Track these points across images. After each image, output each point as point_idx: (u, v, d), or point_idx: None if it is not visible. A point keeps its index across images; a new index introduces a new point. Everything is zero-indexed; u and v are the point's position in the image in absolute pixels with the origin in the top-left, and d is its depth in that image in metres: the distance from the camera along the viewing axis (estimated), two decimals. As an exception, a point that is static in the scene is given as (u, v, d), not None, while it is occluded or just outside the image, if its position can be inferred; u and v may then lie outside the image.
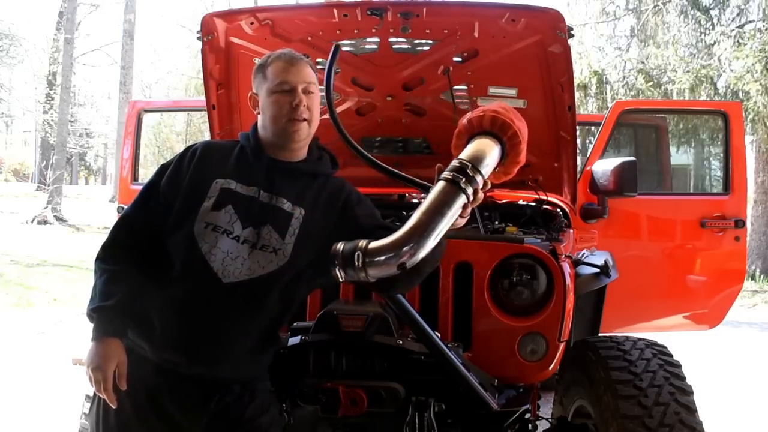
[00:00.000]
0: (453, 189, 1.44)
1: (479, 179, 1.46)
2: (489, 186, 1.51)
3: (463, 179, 1.44)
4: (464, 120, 1.58)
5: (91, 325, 1.73)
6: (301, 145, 1.85)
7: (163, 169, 1.85)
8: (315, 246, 1.78)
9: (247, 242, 1.75)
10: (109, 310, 1.71)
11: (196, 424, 1.77)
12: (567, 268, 2.32)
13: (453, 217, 1.46)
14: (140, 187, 1.95)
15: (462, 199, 1.44)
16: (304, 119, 1.80)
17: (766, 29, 10.44)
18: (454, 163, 1.47)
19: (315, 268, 1.80)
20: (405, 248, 1.42)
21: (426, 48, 2.90)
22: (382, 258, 1.43)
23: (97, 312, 1.71)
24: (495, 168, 1.57)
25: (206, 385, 1.77)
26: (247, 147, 1.86)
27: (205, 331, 1.74)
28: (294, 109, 1.79)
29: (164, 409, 1.75)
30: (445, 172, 1.46)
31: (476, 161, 1.47)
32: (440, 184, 1.46)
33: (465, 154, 1.50)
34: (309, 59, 1.88)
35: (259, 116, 1.86)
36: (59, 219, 16.49)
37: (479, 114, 1.58)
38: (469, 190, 1.44)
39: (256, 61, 1.92)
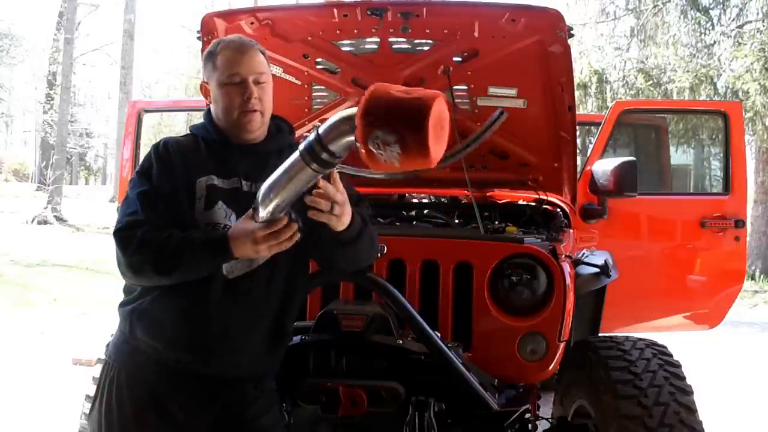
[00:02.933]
0: (301, 162, 1.51)
1: (324, 155, 1.47)
2: (340, 157, 1.50)
3: (309, 154, 1.49)
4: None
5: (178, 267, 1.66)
6: (256, 134, 1.82)
7: (145, 175, 1.76)
8: (302, 218, 1.69)
9: None
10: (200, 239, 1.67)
11: (201, 425, 1.76)
12: (567, 268, 2.32)
13: (301, 183, 1.54)
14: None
15: (308, 171, 1.51)
16: (256, 110, 1.78)
17: (765, 29, 10.45)
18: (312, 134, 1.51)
19: (311, 242, 1.74)
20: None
21: (426, 48, 2.90)
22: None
23: (197, 251, 1.65)
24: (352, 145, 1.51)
25: (217, 385, 1.77)
26: (209, 139, 1.83)
27: (217, 329, 1.73)
28: (245, 102, 1.76)
29: (168, 410, 1.74)
30: (301, 144, 1.51)
31: (325, 132, 1.48)
32: (294, 155, 1.54)
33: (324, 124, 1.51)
34: (259, 45, 1.83)
35: (212, 106, 1.83)
36: (59, 219, 16.48)
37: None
38: (313, 165, 1.49)
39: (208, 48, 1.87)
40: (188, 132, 1.91)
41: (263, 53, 1.83)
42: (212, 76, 1.80)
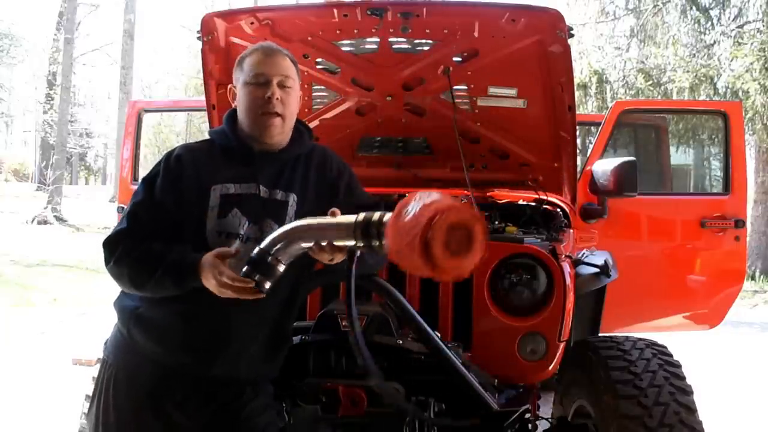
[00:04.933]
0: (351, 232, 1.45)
1: (375, 242, 1.43)
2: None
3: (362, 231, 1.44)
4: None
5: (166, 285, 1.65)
6: (276, 140, 1.81)
7: (149, 183, 1.79)
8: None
9: (250, 240, 1.75)
10: (175, 261, 1.64)
11: (197, 424, 1.76)
12: (567, 268, 2.32)
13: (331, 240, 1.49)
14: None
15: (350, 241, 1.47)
16: (278, 114, 1.77)
17: (765, 29, 10.45)
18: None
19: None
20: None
21: (426, 48, 2.90)
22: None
23: (168, 271, 1.63)
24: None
25: (215, 386, 1.77)
26: (227, 144, 1.83)
27: (221, 334, 1.74)
28: (267, 102, 1.76)
29: (164, 410, 1.75)
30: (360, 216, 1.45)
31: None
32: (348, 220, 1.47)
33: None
34: (290, 54, 1.84)
35: (238, 109, 1.84)
36: (59, 219, 16.48)
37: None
38: (360, 242, 1.45)
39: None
40: (206, 137, 1.93)
41: (294, 63, 1.83)
42: (239, 78, 1.82)
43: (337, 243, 1.48)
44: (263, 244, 1.55)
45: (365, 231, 1.42)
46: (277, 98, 1.76)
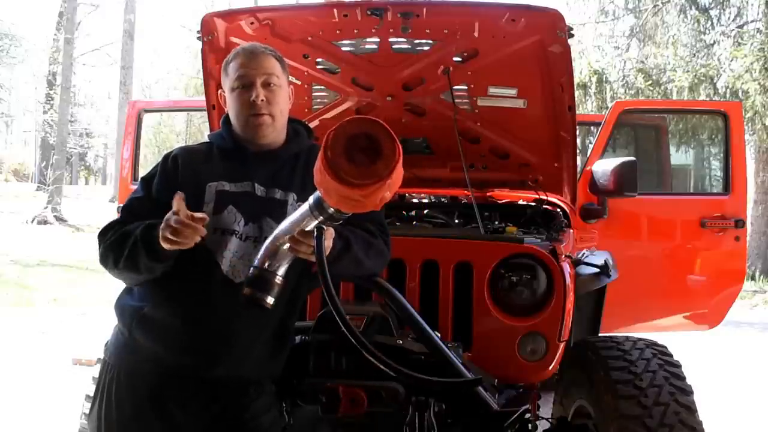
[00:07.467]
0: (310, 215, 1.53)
1: (332, 210, 1.51)
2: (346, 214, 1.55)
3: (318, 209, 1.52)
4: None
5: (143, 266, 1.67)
6: (269, 140, 1.82)
7: (147, 182, 1.82)
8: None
9: (249, 239, 1.76)
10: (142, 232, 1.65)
11: (199, 425, 1.76)
12: (567, 268, 2.32)
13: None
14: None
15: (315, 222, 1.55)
16: (265, 114, 1.78)
17: (765, 29, 10.46)
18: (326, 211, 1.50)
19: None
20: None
21: (426, 48, 2.90)
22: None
23: (137, 241, 1.64)
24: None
25: (218, 387, 1.77)
26: (224, 146, 1.85)
27: (223, 334, 1.74)
28: (252, 105, 1.76)
29: (167, 410, 1.74)
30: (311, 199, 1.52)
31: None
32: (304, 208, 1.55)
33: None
34: (274, 51, 1.85)
35: (229, 114, 1.86)
36: (59, 219, 16.49)
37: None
38: (321, 218, 1.53)
39: None
40: (206, 138, 1.95)
41: (279, 59, 1.83)
42: (225, 83, 1.83)
43: (304, 229, 1.54)
44: (256, 262, 1.60)
45: (319, 206, 1.48)
46: (262, 99, 1.77)
